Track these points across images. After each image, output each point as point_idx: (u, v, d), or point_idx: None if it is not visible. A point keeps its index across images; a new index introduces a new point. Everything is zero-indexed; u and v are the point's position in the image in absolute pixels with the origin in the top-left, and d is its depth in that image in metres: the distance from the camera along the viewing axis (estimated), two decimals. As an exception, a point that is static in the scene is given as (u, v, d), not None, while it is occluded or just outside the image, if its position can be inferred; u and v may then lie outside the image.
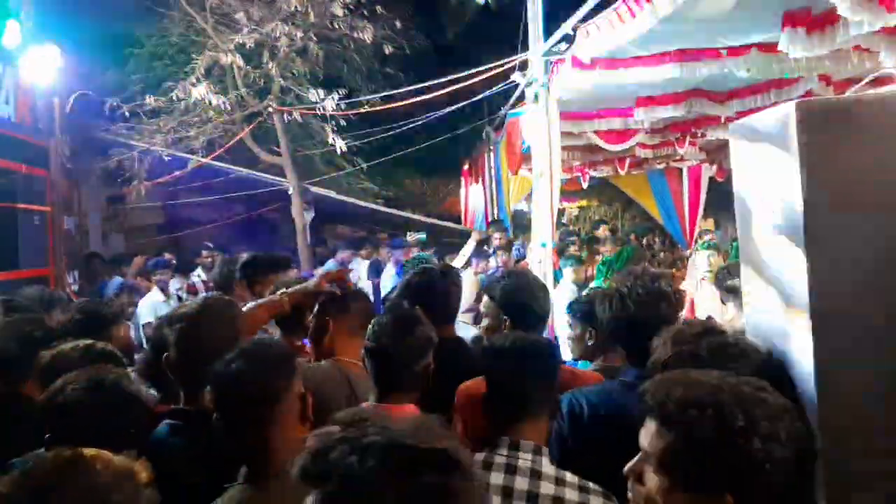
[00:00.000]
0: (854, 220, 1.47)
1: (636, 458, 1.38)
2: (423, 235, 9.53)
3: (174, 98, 9.59)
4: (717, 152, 9.10)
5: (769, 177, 1.64)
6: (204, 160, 10.69)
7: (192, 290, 8.17)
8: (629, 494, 1.42)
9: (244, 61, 9.58)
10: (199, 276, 8.55)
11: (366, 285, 8.71)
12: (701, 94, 5.79)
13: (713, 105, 5.86)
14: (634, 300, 2.25)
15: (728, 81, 5.43)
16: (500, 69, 6.48)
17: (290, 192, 10.84)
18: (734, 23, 4.02)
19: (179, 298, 7.42)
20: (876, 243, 1.46)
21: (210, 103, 9.78)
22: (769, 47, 4.31)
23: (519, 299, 2.79)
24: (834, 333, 1.47)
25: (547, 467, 1.91)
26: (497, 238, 8.46)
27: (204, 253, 9.00)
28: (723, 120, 6.33)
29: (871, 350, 1.46)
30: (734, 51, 4.55)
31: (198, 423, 1.97)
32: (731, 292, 3.56)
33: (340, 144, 9.83)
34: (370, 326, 2.28)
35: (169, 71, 10.80)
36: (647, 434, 1.35)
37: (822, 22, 3.56)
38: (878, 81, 5.67)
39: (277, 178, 11.42)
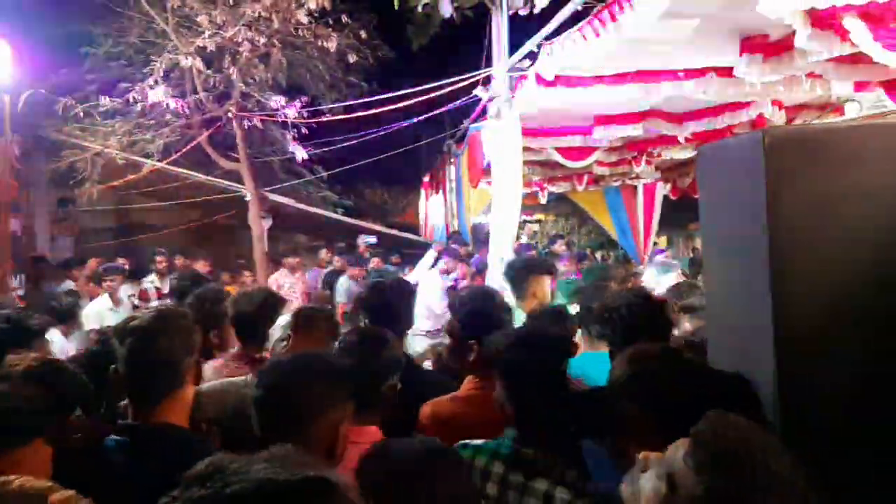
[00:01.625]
0: (818, 247, 1.51)
1: (653, 457, 1.38)
2: (373, 239, 9.53)
3: (130, 100, 9.38)
4: (672, 171, 9.30)
5: (736, 202, 1.68)
6: (160, 164, 10.48)
7: (145, 297, 7.95)
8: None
9: (205, 65, 9.44)
10: (152, 282, 8.33)
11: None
12: (658, 115, 5.91)
13: (669, 126, 5.99)
14: (637, 313, 2.36)
15: (684, 103, 5.56)
16: (464, 83, 6.52)
17: (247, 199, 10.70)
18: (693, 47, 4.12)
19: (135, 307, 7.21)
20: (840, 269, 1.51)
21: (168, 106, 9.61)
22: (726, 71, 4.43)
23: (486, 320, 2.70)
24: (797, 358, 1.51)
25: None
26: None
27: (157, 258, 8.78)
28: (680, 140, 6.47)
29: (833, 375, 1.50)
30: (692, 73, 4.66)
31: (148, 440, 1.92)
32: (685, 311, 3.66)
33: (301, 153, 9.75)
34: (337, 344, 2.25)
35: (126, 72, 10.57)
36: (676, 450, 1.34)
37: (779, 49, 3.68)
38: (827, 107, 5.89)
39: (235, 185, 11.26)
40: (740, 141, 1.65)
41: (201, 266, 9.06)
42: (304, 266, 9.79)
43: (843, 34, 3.01)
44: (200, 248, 10.57)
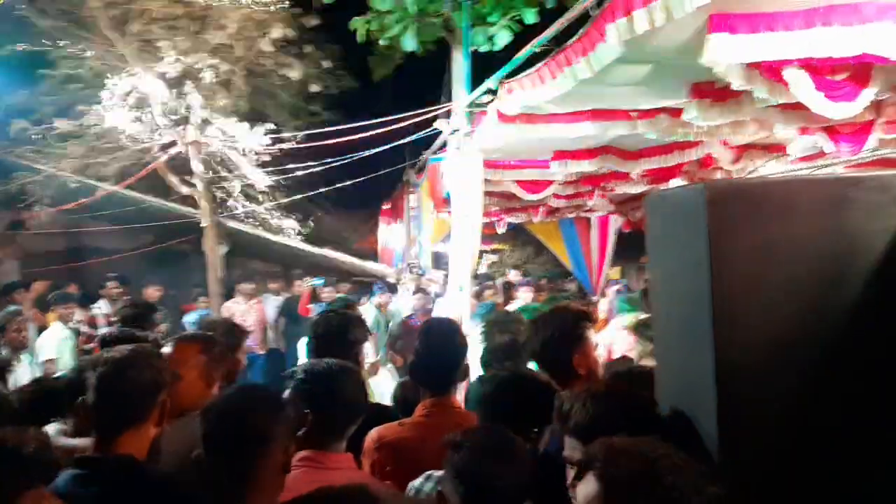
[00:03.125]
0: (755, 290, 1.62)
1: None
2: (320, 281, 9.49)
3: (85, 123, 9.24)
4: (625, 205, 9.54)
5: (680, 246, 1.79)
6: (114, 188, 10.30)
7: (93, 323, 7.78)
8: None
9: (165, 90, 9.37)
10: (99, 308, 8.15)
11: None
12: (612, 152, 6.10)
13: (623, 162, 6.19)
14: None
15: (637, 141, 5.76)
16: (425, 116, 6.64)
17: (203, 225, 10.56)
18: (646, 89, 4.30)
19: (77, 332, 7.04)
20: (775, 311, 1.62)
21: (125, 131, 9.49)
22: (676, 112, 4.63)
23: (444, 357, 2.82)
24: (735, 394, 1.62)
25: None
26: (412, 280, 8.56)
27: (108, 284, 8.59)
28: (633, 176, 6.68)
29: (769, 410, 1.61)
30: (644, 114, 4.85)
31: (111, 472, 1.93)
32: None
33: (261, 180, 9.71)
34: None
35: (82, 95, 10.41)
36: (587, 490, 1.41)
37: (726, 95, 3.87)
38: (771, 147, 6.17)
39: (191, 210, 11.11)
40: (684, 191, 1.77)
41: (152, 293, 8.90)
42: (256, 292, 9.70)
43: (785, 84, 3.19)
44: (154, 273, 10.37)
